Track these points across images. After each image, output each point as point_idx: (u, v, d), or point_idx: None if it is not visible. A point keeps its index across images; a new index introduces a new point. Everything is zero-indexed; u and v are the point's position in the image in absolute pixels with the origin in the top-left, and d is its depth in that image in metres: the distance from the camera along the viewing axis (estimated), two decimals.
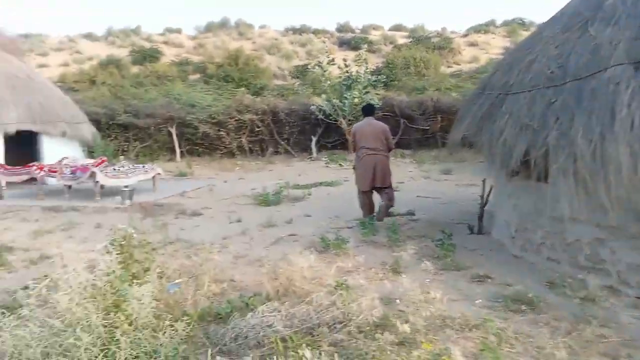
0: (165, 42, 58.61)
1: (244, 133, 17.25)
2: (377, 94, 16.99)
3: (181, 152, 17.32)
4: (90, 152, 14.75)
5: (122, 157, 15.99)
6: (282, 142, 17.48)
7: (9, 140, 12.17)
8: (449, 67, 43.76)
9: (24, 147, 12.84)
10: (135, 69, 45.86)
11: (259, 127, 17.10)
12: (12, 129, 11.92)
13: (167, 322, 2.80)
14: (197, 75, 43.19)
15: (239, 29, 63.08)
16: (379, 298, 3.83)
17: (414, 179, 12.22)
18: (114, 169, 10.38)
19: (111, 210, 9.08)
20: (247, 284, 4.69)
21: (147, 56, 46.83)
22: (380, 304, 3.74)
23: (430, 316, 3.47)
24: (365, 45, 17.41)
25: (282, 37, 61.20)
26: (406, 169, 13.84)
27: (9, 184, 10.68)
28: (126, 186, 10.00)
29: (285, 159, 17.09)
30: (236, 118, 16.82)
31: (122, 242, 4.86)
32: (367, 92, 16.27)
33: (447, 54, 45.36)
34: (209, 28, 64.65)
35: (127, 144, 17.27)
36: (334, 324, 3.47)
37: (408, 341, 3.13)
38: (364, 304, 3.61)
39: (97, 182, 9.50)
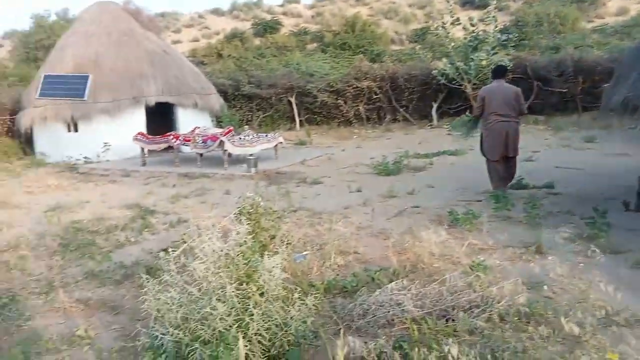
0: (285, 13, 60.00)
1: (362, 101, 16.97)
2: (507, 54, 15.49)
3: (300, 120, 17.63)
4: (219, 122, 15.64)
5: (246, 126, 16.74)
6: (401, 110, 16.90)
7: (149, 111, 13.35)
8: (589, 22, 38.75)
9: (161, 117, 14.04)
10: (257, 41, 47.75)
11: (376, 95, 16.69)
12: (152, 101, 13.02)
13: (297, 295, 2.71)
14: (315, 44, 43.64)
15: None
16: (523, 282, 3.40)
17: (550, 148, 11.00)
18: (240, 138, 10.83)
19: (238, 177, 9.51)
20: (372, 257, 4.52)
21: (267, 28, 48.41)
22: (525, 289, 3.31)
23: (590, 308, 2.97)
24: (495, 1, 15.81)
25: (400, 0, 58.98)
26: (541, 136, 12.52)
27: (149, 151, 11.73)
28: (251, 154, 10.42)
29: (403, 127, 16.54)
30: (354, 86, 16.57)
31: (250, 210, 4.98)
32: (495, 53, 14.91)
33: (588, 7, 40.15)
34: None
35: (251, 113, 18.01)
36: (471, 308, 3.14)
37: (568, 338, 2.70)
38: (506, 288, 3.22)
39: (225, 150, 9.99)
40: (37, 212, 7.42)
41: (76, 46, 13.24)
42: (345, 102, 16.91)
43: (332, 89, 16.95)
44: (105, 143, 12.57)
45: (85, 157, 12.54)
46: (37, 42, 34.71)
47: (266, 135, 11.32)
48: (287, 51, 37.87)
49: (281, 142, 11.55)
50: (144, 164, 11.34)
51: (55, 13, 43.89)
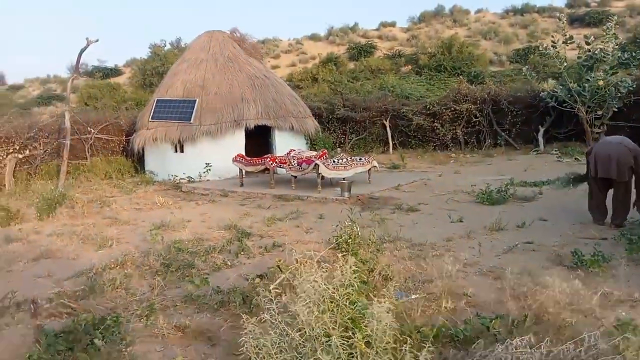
0: (380, 37, 60.37)
1: (460, 124, 16.24)
2: (628, 74, 13.99)
3: (394, 144, 17.27)
4: (313, 145, 15.78)
5: (338, 149, 16.70)
6: (503, 133, 15.89)
7: (248, 133, 13.79)
8: None
9: (258, 139, 14.45)
10: (351, 65, 48.40)
11: (476, 118, 15.87)
12: (251, 124, 13.45)
13: (408, 347, 2.38)
14: (409, 67, 43.23)
15: (454, 16, 61.01)
16: None
17: None
18: (334, 161, 10.74)
19: (331, 201, 9.36)
20: (484, 301, 4.04)
21: (362, 51, 48.95)
22: None
23: None
24: (615, 17, 14.39)
25: (501, 20, 56.78)
26: None
27: (247, 172, 12.04)
28: (344, 178, 10.27)
29: (505, 152, 15.51)
30: (452, 108, 15.92)
31: (348, 240, 4.73)
32: (614, 73, 13.51)
33: None
34: (423, 18, 64.19)
35: (344, 136, 18.00)
36: None
37: None
38: None
39: (320, 173, 9.92)
40: (143, 229, 7.80)
41: (186, 72, 14.13)
42: (442, 125, 16.28)
43: (428, 112, 16.43)
44: (207, 164, 13.16)
45: (188, 177, 13.21)
46: (152, 69, 38.08)
47: (360, 159, 11.11)
48: (381, 74, 37.87)
49: (375, 166, 11.27)
50: (241, 185, 11.65)
51: (169, 42, 48.11)
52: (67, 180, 13.41)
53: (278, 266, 4.75)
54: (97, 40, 11.28)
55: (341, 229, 4.94)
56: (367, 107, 17.40)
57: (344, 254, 4.59)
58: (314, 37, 65.95)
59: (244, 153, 13.22)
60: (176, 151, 13.83)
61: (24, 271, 5.80)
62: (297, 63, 54.64)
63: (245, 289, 4.48)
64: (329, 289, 2.40)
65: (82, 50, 11.27)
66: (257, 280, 4.59)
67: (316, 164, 9.93)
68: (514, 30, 51.04)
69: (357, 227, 4.76)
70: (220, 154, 13.29)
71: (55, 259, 6.22)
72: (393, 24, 65.31)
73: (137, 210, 9.58)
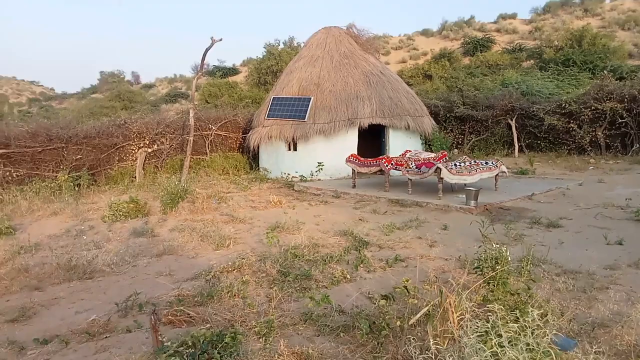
0: (498, 30, 56.72)
1: (601, 125, 14.22)
2: None
3: (520, 146, 15.69)
4: (429, 145, 14.89)
5: (455, 150, 15.58)
6: None
7: (360, 132, 13.33)
8: None
9: (371, 138, 13.94)
10: (466, 60, 45.97)
11: (622, 118, 13.77)
12: (365, 123, 12.97)
13: None
14: (531, 62, 39.95)
15: (584, 4, 55.41)
16: None
17: None
18: (456, 165, 9.85)
19: (454, 210, 8.52)
20: None
21: (478, 46, 46.33)
22: None
23: None
24: None
25: None
26: None
27: (359, 173, 11.59)
28: (466, 184, 9.36)
29: None
30: (592, 107, 13.97)
31: (494, 264, 4.00)
32: None
33: None
34: (548, 9, 59.14)
35: (462, 136, 16.80)
36: None
37: None
38: None
39: (441, 178, 9.12)
40: (258, 229, 7.68)
41: (302, 70, 14.07)
42: (580, 127, 14.39)
43: (563, 111, 14.63)
44: (319, 163, 12.97)
45: (300, 175, 13.12)
46: (267, 68, 39.43)
47: (486, 163, 10.07)
48: (498, 70, 35.36)
49: (504, 172, 10.17)
50: (354, 186, 11.22)
51: (283, 42, 49.60)
52: (189, 175, 14.09)
53: (405, 287, 4.18)
54: (221, 39, 11.57)
55: (484, 249, 4.21)
56: (490, 105, 16.01)
57: (489, 280, 3.88)
58: (425, 33, 63.95)
59: (356, 153, 12.80)
60: (289, 149, 13.84)
61: (147, 267, 5.88)
62: (408, 59, 53.32)
63: (371, 312, 3.97)
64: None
65: (207, 50, 11.65)
66: (383, 302, 4.05)
67: (438, 167, 9.13)
68: None
69: (505, 251, 4.00)
70: (332, 153, 13.03)
71: (177, 256, 6.26)
72: (513, 16, 61.06)
73: (252, 209, 9.58)
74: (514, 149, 15.56)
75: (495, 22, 60.50)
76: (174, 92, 56.79)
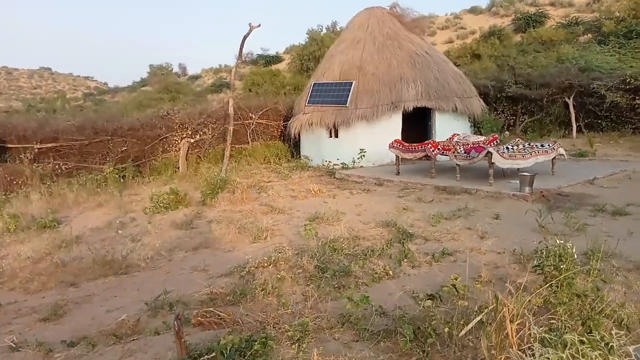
0: (552, 4, 53.66)
1: None
2: None
3: (578, 126, 14.60)
4: (477, 128, 14.11)
5: (507, 132, 14.74)
6: None
7: (404, 116, 12.76)
8: None
9: (415, 122, 13.33)
10: (517, 38, 43.79)
11: None
12: (410, 106, 12.39)
13: None
14: (589, 36, 37.62)
15: None
16: None
17: None
18: (508, 148, 9.17)
19: (507, 197, 7.91)
20: None
21: (530, 22, 44.07)
22: None
23: None
24: None
25: None
26: None
27: (403, 159, 11.07)
28: (518, 169, 8.69)
29: None
30: None
31: (555, 263, 3.51)
32: None
33: None
34: None
35: (514, 117, 15.83)
36: None
37: None
38: None
39: (492, 163, 8.49)
40: (297, 220, 7.41)
41: (343, 54, 13.60)
42: None
43: (627, 87, 13.42)
44: (361, 149, 12.53)
45: (342, 163, 12.75)
46: (309, 54, 39.05)
47: (542, 146, 9.31)
48: (552, 46, 33.42)
49: (562, 155, 9.40)
50: (397, 173, 10.74)
51: (325, 27, 48.99)
52: (230, 165, 14.02)
53: (454, 285, 3.77)
54: (259, 26, 11.30)
55: (545, 245, 3.72)
56: (545, 83, 14.94)
57: (551, 280, 3.40)
58: (474, 10, 61.40)
59: (400, 138, 12.28)
60: (331, 136, 13.47)
61: (183, 261, 5.73)
62: (455, 39, 51.46)
63: (416, 315, 3.59)
64: None
65: (246, 36, 11.42)
66: (429, 303, 3.66)
67: (488, 151, 8.51)
68: None
69: (571, 247, 3.49)
70: (374, 139, 12.55)
71: (213, 250, 6.09)
72: None
73: (292, 198, 9.33)
74: (572, 130, 14.49)
75: None
76: (219, 82, 57.55)
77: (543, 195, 7.74)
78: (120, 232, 7.30)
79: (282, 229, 6.88)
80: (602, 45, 29.38)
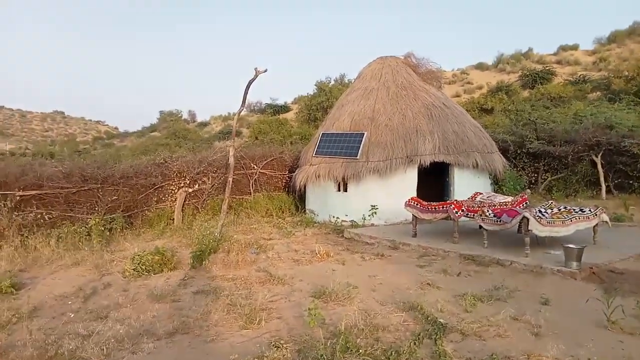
0: (559, 62, 54.26)
1: None
2: None
3: (607, 186, 13.46)
4: (499, 186, 12.99)
5: (528, 191, 13.59)
6: None
7: (420, 171, 11.70)
8: None
9: (430, 178, 12.26)
10: (525, 94, 43.81)
11: None
12: (427, 160, 11.35)
13: None
14: (598, 93, 37.56)
15: None
16: None
17: None
18: (541, 212, 7.99)
19: (549, 273, 6.65)
20: None
21: (537, 78, 44.33)
22: None
23: None
24: None
25: None
26: None
27: (419, 220, 9.90)
28: (563, 243, 7.49)
29: None
30: None
31: None
32: None
33: None
34: (613, 38, 56.30)
35: (536, 175, 14.74)
36: None
37: None
38: None
39: (529, 230, 7.30)
40: (299, 295, 6.18)
41: (354, 103, 12.74)
42: None
43: None
44: (373, 206, 11.42)
45: (351, 220, 11.59)
46: (317, 104, 38.77)
47: (581, 210, 8.14)
48: (562, 102, 33.15)
49: (606, 222, 8.21)
50: (414, 235, 9.54)
51: (334, 79, 49.19)
52: (229, 217, 12.88)
53: None
54: (265, 71, 10.50)
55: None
56: (570, 139, 13.95)
57: None
58: (480, 66, 62.19)
59: (415, 194, 11.17)
60: (339, 190, 12.38)
61: (150, 355, 4.46)
62: (462, 93, 51.63)
63: None
64: None
65: (251, 81, 10.60)
66: None
67: (524, 216, 7.34)
68: None
69: None
70: (387, 195, 11.47)
71: (192, 337, 4.83)
72: (575, 47, 58.42)
73: (294, 263, 8.11)
74: (601, 190, 13.34)
75: (555, 54, 58.13)
76: (227, 129, 57.47)
77: (593, 273, 6.49)
78: (73, 313, 5.91)
79: (281, 308, 5.63)
80: (618, 103, 28.79)
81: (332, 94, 37.01)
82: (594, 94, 38.32)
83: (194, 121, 78.05)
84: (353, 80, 13.99)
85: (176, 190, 13.41)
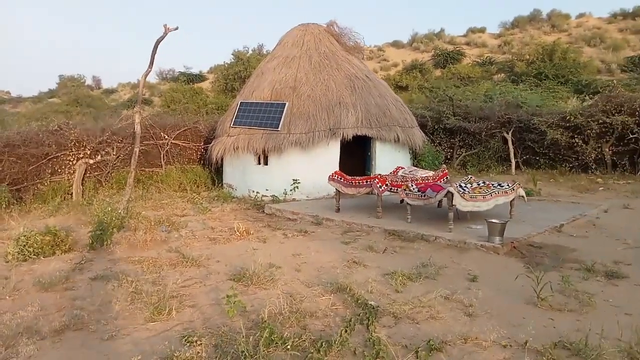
0: (468, 44, 56.72)
1: (608, 141, 12.79)
2: None
3: (516, 162, 14.11)
4: (418, 161, 13.09)
5: (443, 165, 13.89)
6: None
7: (342, 144, 11.39)
8: None
9: (351, 151, 12.03)
10: (437, 72, 45.52)
11: (633, 134, 12.36)
12: (349, 133, 11.04)
13: None
14: (502, 75, 39.93)
15: (552, 20, 56.29)
16: None
17: None
18: (462, 186, 8.00)
19: (474, 248, 6.62)
20: None
21: (449, 58, 46.24)
22: None
23: None
24: None
25: (608, 25, 51.73)
26: None
27: (342, 194, 9.61)
28: (485, 216, 7.52)
29: None
30: (600, 120, 12.51)
31: None
32: None
33: None
34: (516, 24, 59.80)
35: (451, 150, 15.11)
36: None
37: None
38: None
39: (453, 205, 7.23)
40: (216, 277, 5.57)
41: (275, 71, 12.02)
42: (586, 142, 12.91)
43: (567, 124, 13.12)
44: (295, 180, 10.94)
45: (272, 195, 11.03)
46: (235, 74, 37.18)
47: (500, 185, 8.27)
48: (470, 82, 34.91)
49: (523, 196, 8.43)
50: (338, 210, 9.23)
51: (252, 49, 47.43)
52: (137, 192, 11.76)
53: None
54: (176, 28, 9.44)
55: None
56: (484, 116, 14.39)
57: None
58: (396, 44, 63.38)
59: (337, 168, 10.86)
60: (259, 163, 11.74)
61: (35, 357, 3.66)
62: (379, 70, 52.38)
63: None
64: None
65: (159, 40, 9.50)
66: None
67: (448, 191, 7.24)
68: (623, 36, 45.79)
69: None
70: (310, 169, 11.05)
71: (86, 334, 4.07)
72: (482, 30, 61.32)
73: (210, 242, 7.44)
74: (511, 166, 13.96)
75: (464, 36, 60.63)
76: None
77: (514, 247, 6.55)
78: None
79: (195, 295, 5.00)
80: (522, 84, 30.75)
81: (250, 64, 35.67)
82: (499, 75, 40.67)
83: (99, 87, 72.03)
84: (273, 49, 13.23)
85: (75, 162, 11.97)
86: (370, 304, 4.44)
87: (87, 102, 47.25)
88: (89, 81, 71.69)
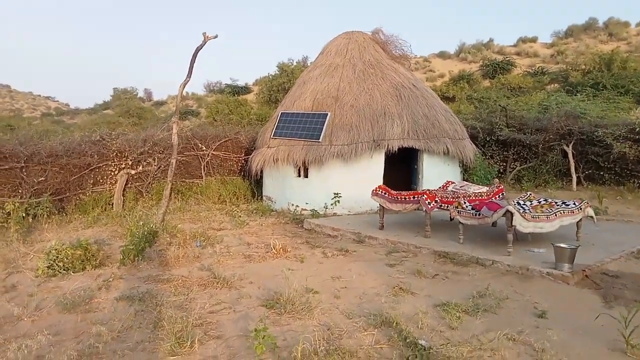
0: (518, 53, 54.79)
1: None
2: None
3: (577, 177, 12.97)
4: (468, 174, 12.24)
5: (496, 180, 12.91)
6: None
7: (387, 156, 10.76)
8: None
9: (397, 164, 11.37)
10: (486, 83, 44.00)
11: None
12: (395, 145, 10.39)
13: None
14: (556, 85, 38.11)
15: (609, 29, 53.61)
16: None
17: None
18: (520, 204, 7.20)
19: (538, 275, 5.82)
20: None
21: (498, 69, 44.63)
22: None
23: None
24: None
25: None
26: None
27: (387, 210, 8.94)
28: (554, 243, 6.69)
29: None
30: None
31: None
32: None
33: None
34: (570, 33, 57.38)
35: (504, 164, 14.13)
36: None
37: None
38: None
39: (513, 226, 6.45)
40: (247, 302, 5.07)
41: (317, 81, 11.57)
42: None
43: (636, 137, 11.91)
44: (336, 194, 10.39)
45: (312, 209, 10.52)
46: (278, 85, 37.26)
47: (565, 204, 7.39)
48: (522, 93, 33.42)
49: (592, 217, 7.51)
50: (381, 227, 8.58)
51: (296, 61, 47.59)
52: (175, 204, 11.57)
53: None
54: (216, 36, 9.19)
55: None
56: (541, 127, 13.35)
57: None
58: (442, 55, 62.12)
59: (381, 182, 10.23)
60: (299, 175, 11.27)
61: None
62: (425, 81, 51.26)
63: None
64: None
65: (199, 49, 9.28)
66: None
67: (507, 210, 6.47)
68: None
69: None
70: (352, 182, 10.49)
71: None
72: (534, 40, 59.17)
73: (245, 259, 6.98)
74: (572, 181, 12.83)
75: (514, 46, 58.69)
76: (185, 109, 54.90)
77: (587, 276, 5.70)
78: None
79: (223, 323, 4.51)
80: (579, 95, 29.01)
81: (294, 75, 35.61)
82: (552, 85, 38.87)
83: (150, 100, 74.57)
84: (316, 58, 12.81)
85: (116, 172, 11.93)
86: (421, 344, 3.80)
87: (139, 113, 48.75)
88: (140, 93, 74.34)
